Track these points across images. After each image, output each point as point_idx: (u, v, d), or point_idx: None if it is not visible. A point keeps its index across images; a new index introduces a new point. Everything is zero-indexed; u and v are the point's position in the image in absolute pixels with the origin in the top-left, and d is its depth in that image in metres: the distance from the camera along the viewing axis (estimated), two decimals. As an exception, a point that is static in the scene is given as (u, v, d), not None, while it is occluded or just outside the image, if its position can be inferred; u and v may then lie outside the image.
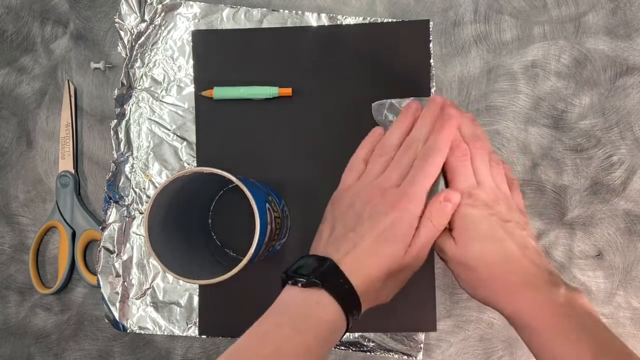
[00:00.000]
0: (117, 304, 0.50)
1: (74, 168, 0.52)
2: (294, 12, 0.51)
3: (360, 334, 0.49)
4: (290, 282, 0.36)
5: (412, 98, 0.45)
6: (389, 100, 0.46)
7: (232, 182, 0.40)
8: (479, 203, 0.38)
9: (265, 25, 0.51)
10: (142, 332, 0.50)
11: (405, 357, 0.49)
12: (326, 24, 0.51)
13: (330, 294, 0.35)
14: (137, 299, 0.50)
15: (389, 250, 0.37)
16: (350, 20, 0.50)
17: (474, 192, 0.38)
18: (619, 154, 0.49)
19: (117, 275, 0.50)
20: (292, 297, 0.36)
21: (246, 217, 0.40)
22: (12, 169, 0.53)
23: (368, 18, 0.50)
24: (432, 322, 0.49)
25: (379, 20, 0.50)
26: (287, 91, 0.50)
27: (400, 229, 0.37)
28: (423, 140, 0.40)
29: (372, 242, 0.37)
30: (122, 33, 0.51)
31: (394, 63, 0.50)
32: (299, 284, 0.35)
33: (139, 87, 0.51)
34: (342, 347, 0.49)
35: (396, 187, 0.39)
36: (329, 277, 0.35)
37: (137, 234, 0.51)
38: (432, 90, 0.50)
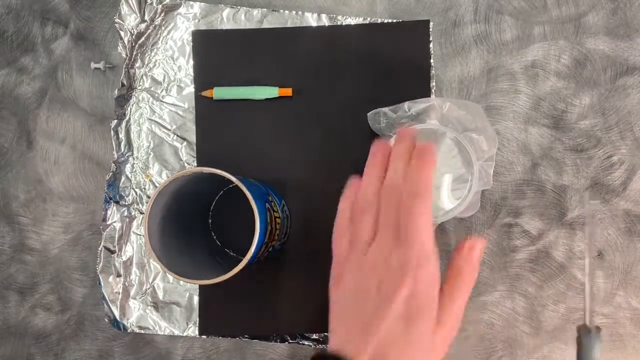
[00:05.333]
0: (118, 304, 0.50)
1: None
2: (294, 12, 0.51)
3: (360, 334, 0.49)
4: None
5: (406, 103, 0.45)
6: (382, 109, 0.46)
7: (232, 182, 0.40)
8: None
9: (265, 25, 0.51)
10: (143, 332, 0.50)
11: (405, 357, 0.49)
12: (326, 24, 0.51)
13: None
14: (137, 299, 0.50)
15: (415, 332, 0.32)
16: (350, 21, 0.50)
17: None
18: (619, 154, 0.49)
19: (118, 275, 0.50)
20: None
21: (246, 217, 0.40)
22: (12, 169, 0.53)
23: (368, 18, 0.50)
24: (432, 322, 0.49)
25: (379, 21, 0.50)
26: (287, 91, 0.50)
27: (423, 297, 0.32)
28: (403, 184, 0.35)
29: (392, 326, 0.32)
30: (122, 33, 0.51)
31: (394, 63, 0.50)
32: None
33: (139, 87, 0.51)
34: (342, 347, 0.49)
35: (395, 250, 0.33)
36: None
37: (137, 234, 0.51)
38: (432, 90, 0.50)
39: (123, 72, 0.51)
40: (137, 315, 0.50)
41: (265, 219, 0.40)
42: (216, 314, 0.50)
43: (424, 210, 0.34)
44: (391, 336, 0.32)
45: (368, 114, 0.47)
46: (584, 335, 0.39)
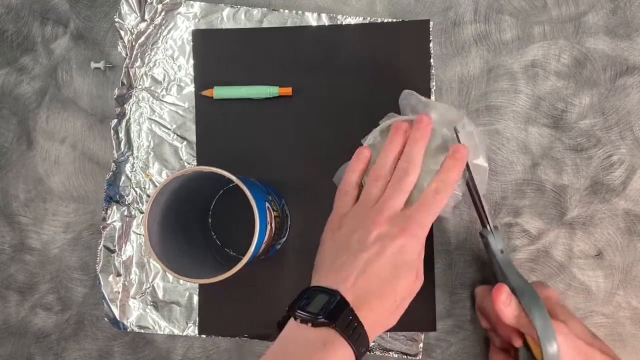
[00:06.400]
0: (117, 304, 0.50)
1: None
2: (294, 12, 0.51)
3: (360, 333, 0.49)
4: (297, 319, 0.34)
5: (441, 104, 0.44)
6: (418, 95, 0.44)
7: (232, 181, 0.40)
8: None
9: (265, 25, 0.51)
10: (142, 331, 0.50)
11: (405, 357, 0.49)
12: (326, 24, 0.51)
13: (340, 333, 0.33)
14: (137, 298, 0.50)
15: (401, 279, 0.36)
16: (350, 20, 0.50)
17: None
18: (619, 153, 0.49)
19: (118, 275, 0.51)
20: (299, 337, 0.34)
21: (246, 217, 0.40)
22: (12, 168, 0.53)
23: (368, 18, 0.50)
24: (432, 322, 0.49)
25: (379, 20, 0.50)
26: (287, 91, 0.50)
27: (411, 255, 0.36)
28: (419, 164, 0.40)
29: (381, 268, 0.35)
30: (122, 33, 0.51)
31: (394, 63, 0.50)
32: (309, 324, 0.33)
33: (139, 87, 0.51)
34: (342, 347, 0.49)
35: (401, 211, 0.38)
36: (338, 315, 0.33)
37: (137, 234, 0.51)
38: (432, 90, 0.50)
39: (123, 71, 0.51)
40: (137, 314, 0.50)
41: (265, 219, 0.40)
42: (216, 314, 0.50)
43: (446, 198, 0.39)
44: (377, 279, 0.35)
45: (404, 91, 0.45)
46: (485, 234, 0.44)
